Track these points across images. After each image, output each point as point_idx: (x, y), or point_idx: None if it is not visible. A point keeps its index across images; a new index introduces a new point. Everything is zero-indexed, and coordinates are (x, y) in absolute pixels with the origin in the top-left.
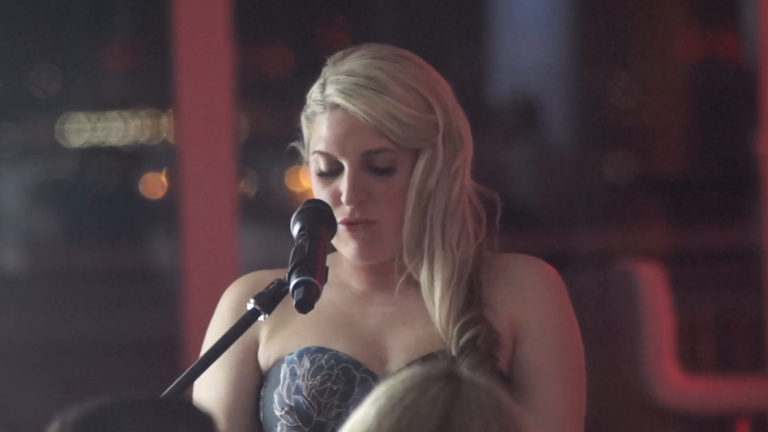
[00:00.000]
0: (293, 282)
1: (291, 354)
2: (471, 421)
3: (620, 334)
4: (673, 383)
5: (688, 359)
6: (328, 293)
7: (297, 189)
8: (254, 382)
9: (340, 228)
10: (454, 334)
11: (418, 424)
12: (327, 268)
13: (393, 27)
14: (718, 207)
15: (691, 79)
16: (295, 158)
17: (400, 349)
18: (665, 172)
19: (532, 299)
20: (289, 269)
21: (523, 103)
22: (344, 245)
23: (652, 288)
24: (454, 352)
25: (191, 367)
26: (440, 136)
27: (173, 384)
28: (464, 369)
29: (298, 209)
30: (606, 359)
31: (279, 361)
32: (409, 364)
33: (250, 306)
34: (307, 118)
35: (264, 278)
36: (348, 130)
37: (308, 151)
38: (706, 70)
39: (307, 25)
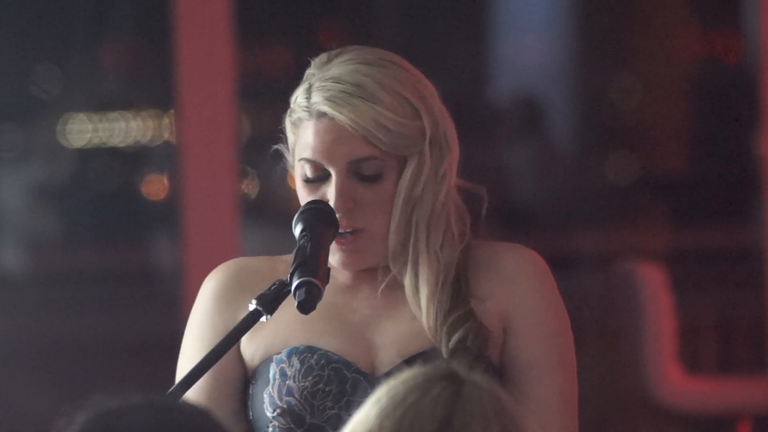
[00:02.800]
0: (295, 283)
1: (279, 354)
2: (472, 422)
3: (621, 334)
4: (675, 383)
5: (689, 359)
6: None
7: None
8: (236, 373)
9: None
10: (444, 336)
11: (420, 424)
12: (329, 269)
13: (394, 27)
14: (719, 207)
15: (692, 79)
16: (283, 159)
17: (388, 345)
18: (666, 172)
19: (520, 289)
20: (290, 270)
21: (524, 103)
22: (331, 254)
23: (654, 288)
24: (445, 355)
25: (193, 367)
26: (427, 141)
27: (176, 384)
28: (465, 370)
29: (300, 210)
30: (607, 359)
31: (267, 360)
32: (399, 364)
33: (252, 307)
34: (293, 124)
35: (247, 264)
36: (335, 138)
37: (293, 156)
38: (707, 71)
39: (308, 26)
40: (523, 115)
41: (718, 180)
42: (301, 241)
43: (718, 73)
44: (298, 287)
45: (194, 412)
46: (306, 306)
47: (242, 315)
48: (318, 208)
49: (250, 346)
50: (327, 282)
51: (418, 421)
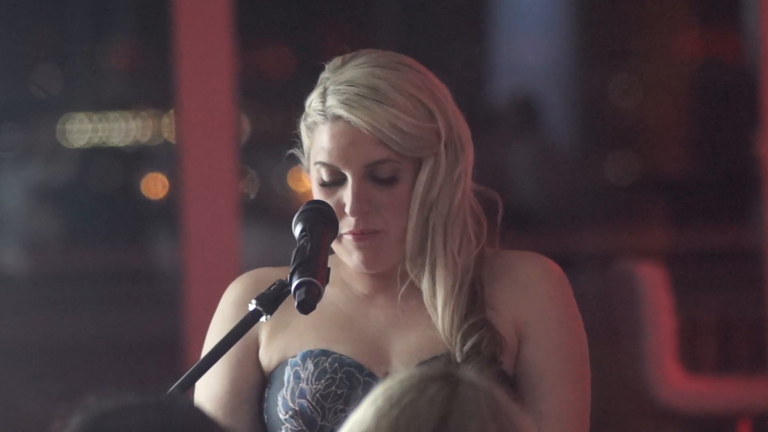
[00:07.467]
0: (295, 283)
1: (294, 357)
2: (469, 422)
3: (622, 335)
4: (675, 383)
5: (689, 360)
6: (329, 293)
7: (298, 189)
8: (254, 381)
9: (345, 238)
10: (458, 341)
11: (416, 424)
12: (329, 269)
13: (394, 28)
14: (720, 207)
15: (692, 79)
16: (296, 159)
17: (403, 352)
18: (666, 172)
19: (536, 298)
20: (290, 270)
21: (524, 103)
22: (348, 255)
23: (654, 288)
24: (458, 359)
25: (193, 367)
26: (442, 143)
27: (175, 384)
28: (462, 369)
29: (300, 210)
30: (607, 359)
31: (282, 364)
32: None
33: (251, 307)
34: (308, 128)
35: (267, 275)
36: (351, 141)
37: (309, 160)
38: (706, 71)
39: (308, 26)
40: (523, 115)
41: (718, 180)
42: (301, 241)
43: (718, 73)
44: (297, 287)
45: (190, 412)
46: (306, 306)
47: (258, 328)
48: (318, 208)
49: (267, 352)
50: (327, 282)
51: (415, 421)
